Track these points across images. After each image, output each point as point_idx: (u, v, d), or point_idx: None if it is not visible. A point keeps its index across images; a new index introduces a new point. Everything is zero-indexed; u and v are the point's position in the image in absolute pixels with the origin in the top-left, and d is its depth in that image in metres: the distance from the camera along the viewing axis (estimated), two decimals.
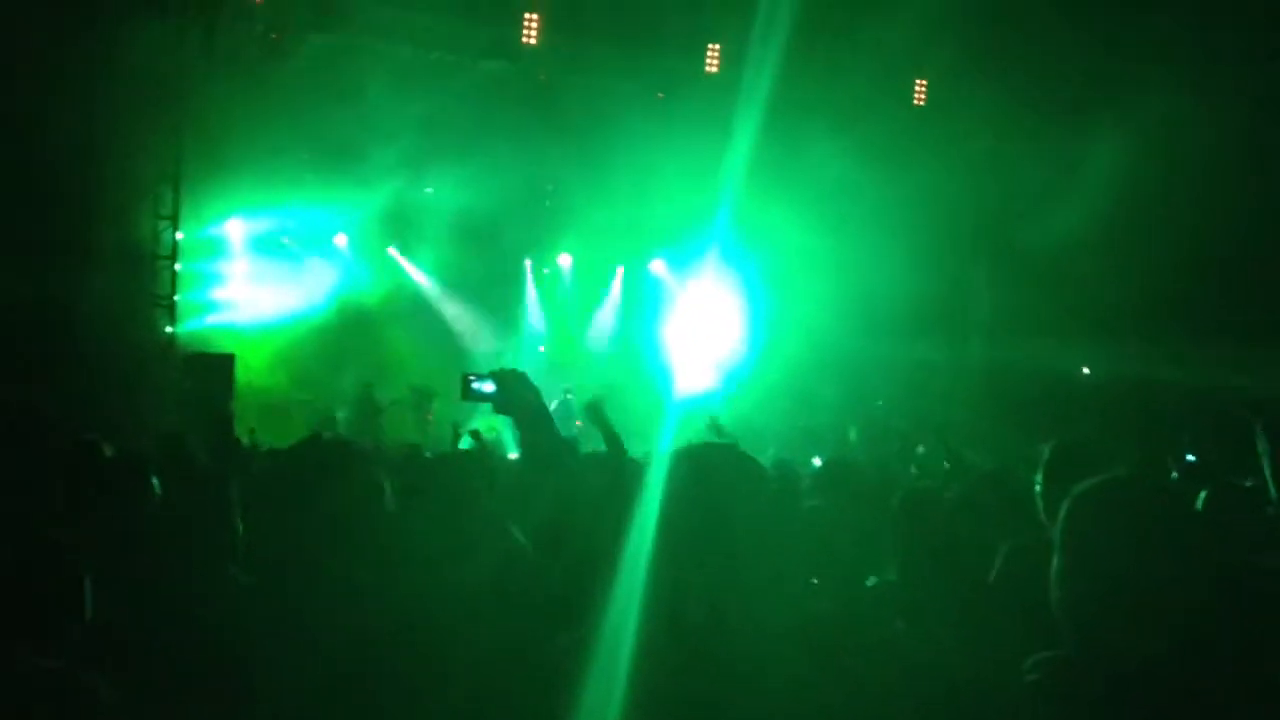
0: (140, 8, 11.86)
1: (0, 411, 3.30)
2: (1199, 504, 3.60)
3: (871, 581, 3.59)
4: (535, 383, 3.29)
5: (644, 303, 20.14)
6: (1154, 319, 14.87)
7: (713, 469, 2.48)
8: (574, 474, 3.34)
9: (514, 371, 3.33)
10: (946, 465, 8.04)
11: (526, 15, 15.36)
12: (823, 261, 16.56)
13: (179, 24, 12.76)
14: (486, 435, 9.32)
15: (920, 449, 9.88)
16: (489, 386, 3.34)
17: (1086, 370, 16.93)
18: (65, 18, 10.93)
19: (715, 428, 9.03)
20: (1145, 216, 14.21)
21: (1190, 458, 8.79)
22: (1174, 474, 7.39)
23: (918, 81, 16.26)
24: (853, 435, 15.75)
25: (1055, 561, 2.13)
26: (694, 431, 9.71)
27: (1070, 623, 2.11)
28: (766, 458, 9.68)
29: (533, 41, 15.50)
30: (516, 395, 3.28)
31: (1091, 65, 13.43)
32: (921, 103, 16.40)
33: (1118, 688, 2.00)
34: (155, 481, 3.48)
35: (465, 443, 16.00)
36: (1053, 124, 14.52)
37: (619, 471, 2.73)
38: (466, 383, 3.51)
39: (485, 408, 3.56)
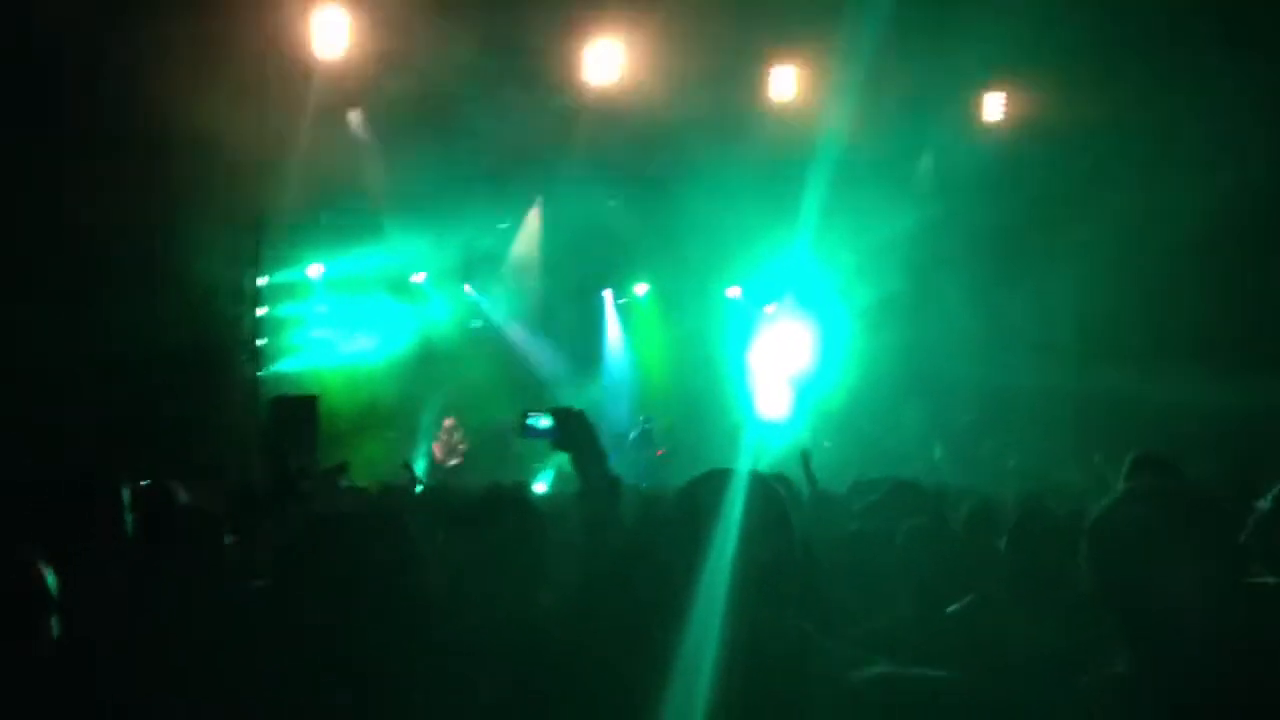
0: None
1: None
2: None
3: (953, 609, 3.49)
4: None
5: (723, 328, 20.04)
6: (1255, 344, 14.18)
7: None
8: (618, 510, 3.31)
9: (571, 409, 3.32)
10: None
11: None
12: (902, 285, 16.39)
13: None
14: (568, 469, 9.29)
15: (1011, 462, 9.66)
16: (546, 423, 3.34)
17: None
18: (138, 60, 11.03)
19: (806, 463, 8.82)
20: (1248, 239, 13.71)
21: None
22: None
23: (988, 95, 15.86)
24: (938, 454, 15.51)
25: (1086, 576, 2.06)
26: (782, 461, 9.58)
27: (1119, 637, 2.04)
28: (846, 480, 9.56)
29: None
30: (574, 433, 3.28)
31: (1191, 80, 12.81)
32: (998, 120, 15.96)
33: (1165, 701, 1.95)
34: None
35: (547, 475, 16.00)
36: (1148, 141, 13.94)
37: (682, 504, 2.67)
38: (524, 420, 3.51)
39: None
